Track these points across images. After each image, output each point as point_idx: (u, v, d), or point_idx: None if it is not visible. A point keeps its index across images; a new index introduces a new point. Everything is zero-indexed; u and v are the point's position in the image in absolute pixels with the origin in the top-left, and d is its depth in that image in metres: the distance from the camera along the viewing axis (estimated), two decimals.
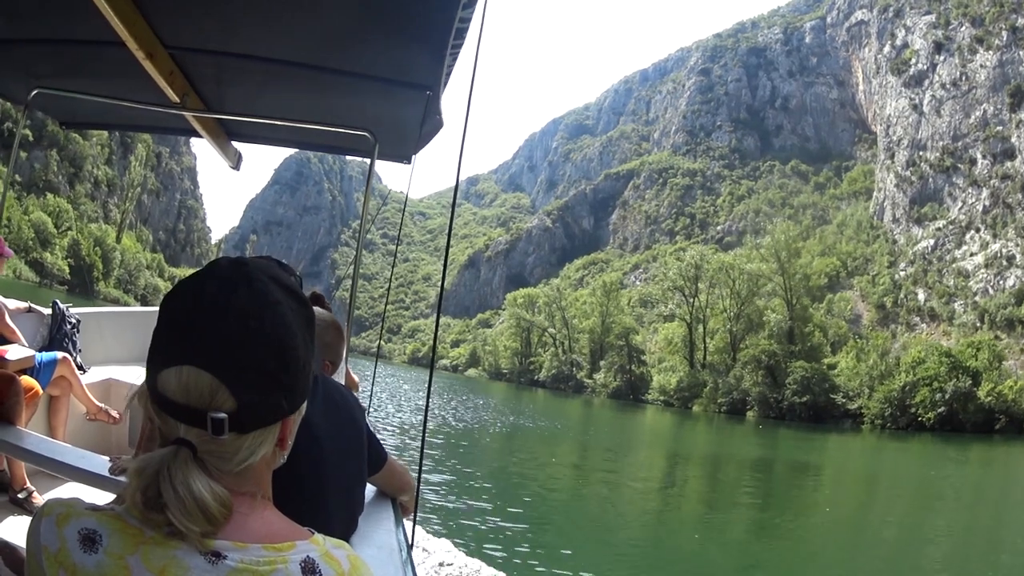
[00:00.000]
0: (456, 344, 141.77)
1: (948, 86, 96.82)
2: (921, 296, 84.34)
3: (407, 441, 16.94)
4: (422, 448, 2.99)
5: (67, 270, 73.81)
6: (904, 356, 55.07)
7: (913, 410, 49.22)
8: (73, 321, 4.56)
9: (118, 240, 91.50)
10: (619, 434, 34.76)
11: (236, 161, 4.85)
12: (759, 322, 69.39)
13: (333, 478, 1.64)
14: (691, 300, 77.62)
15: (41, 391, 3.43)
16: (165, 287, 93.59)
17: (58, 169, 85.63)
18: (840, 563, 10.52)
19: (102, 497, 0.78)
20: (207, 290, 0.80)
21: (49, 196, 78.56)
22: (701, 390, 66.14)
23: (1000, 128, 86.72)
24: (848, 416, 55.22)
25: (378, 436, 2.19)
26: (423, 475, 13.02)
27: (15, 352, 3.52)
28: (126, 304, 72.72)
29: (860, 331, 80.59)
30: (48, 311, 4.48)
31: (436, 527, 8.97)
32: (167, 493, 0.74)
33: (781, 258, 68.67)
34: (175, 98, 3.49)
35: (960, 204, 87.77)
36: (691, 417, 56.97)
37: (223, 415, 0.76)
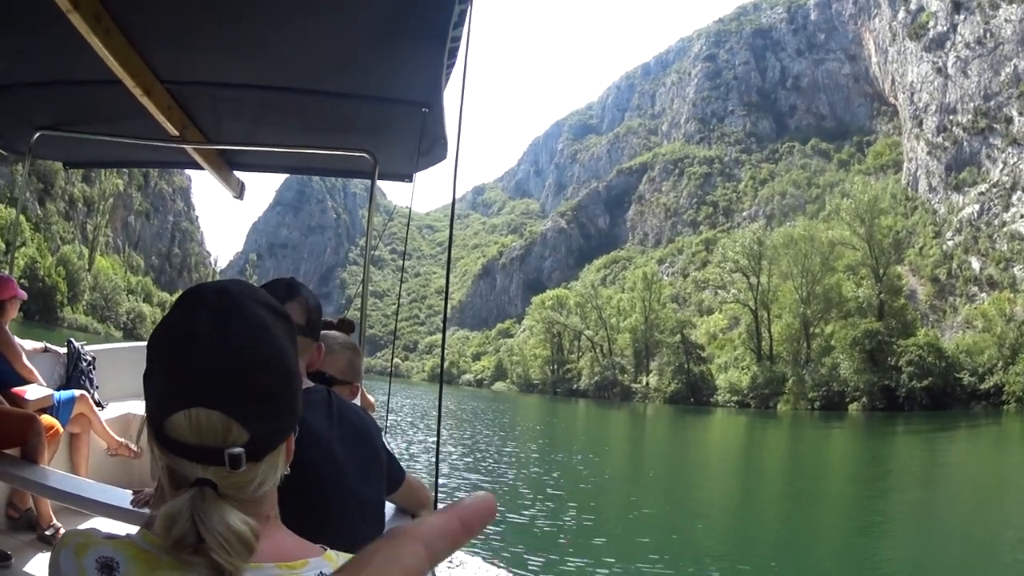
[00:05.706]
0: (477, 357, 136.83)
1: (972, 45, 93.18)
2: (976, 264, 79.61)
3: (427, 457, 16.40)
4: (436, 464, 3.00)
5: None
6: None
7: None
8: (89, 358, 4.56)
9: (91, 261, 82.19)
10: (699, 444, 30.46)
11: (239, 190, 4.79)
12: (838, 300, 61.53)
13: (355, 498, 1.68)
14: (755, 284, 70.07)
15: (61, 429, 3.51)
16: (152, 314, 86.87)
17: (24, 184, 76.52)
18: None
19: (127, 530, 0.85)
20: (199, 327, 0.78)
21: None
22: (782, 385, 58.51)
23: None
24: (975, 397, 48.54)
25: (395, 454, 2.24)
26: (444, 489, 11.59)
27: (34, 392, 3.55)
28: (96, 332, 68.07)
29: (918, 307, 76.37)
30: (63, 350, 4.49)
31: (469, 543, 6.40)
32: (208, 535, 0.73)
33: (865, 221, 60.92)
34: (175, 132, 3.49)
35: (1001, 165, 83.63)
36: (778, 418, 50.34)
37: (239, 449, 0.76)
